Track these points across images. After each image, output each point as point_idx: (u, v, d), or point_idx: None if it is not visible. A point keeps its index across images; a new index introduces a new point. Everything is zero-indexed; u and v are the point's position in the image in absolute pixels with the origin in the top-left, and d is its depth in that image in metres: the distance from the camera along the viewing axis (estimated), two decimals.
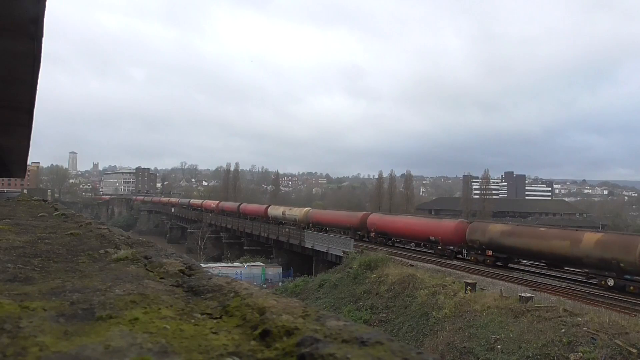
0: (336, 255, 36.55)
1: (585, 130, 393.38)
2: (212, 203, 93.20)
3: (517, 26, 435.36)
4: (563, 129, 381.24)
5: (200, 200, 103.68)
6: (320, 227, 51.89)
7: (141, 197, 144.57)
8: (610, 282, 23.01)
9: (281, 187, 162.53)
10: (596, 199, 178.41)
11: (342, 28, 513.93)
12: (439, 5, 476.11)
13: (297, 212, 59.53)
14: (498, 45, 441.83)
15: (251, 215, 70.66)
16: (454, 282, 23.60)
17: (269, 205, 70.97)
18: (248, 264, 47.20)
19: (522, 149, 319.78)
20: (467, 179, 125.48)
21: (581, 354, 15.19)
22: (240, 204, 79.82)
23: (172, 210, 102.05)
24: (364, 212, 48.92)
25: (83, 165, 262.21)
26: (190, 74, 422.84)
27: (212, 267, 39.85)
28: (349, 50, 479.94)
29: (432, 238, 35.23)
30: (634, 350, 14.58)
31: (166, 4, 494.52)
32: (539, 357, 16.04)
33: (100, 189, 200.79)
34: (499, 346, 17.38)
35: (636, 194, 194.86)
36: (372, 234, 43.37)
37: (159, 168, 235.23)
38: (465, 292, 21.66)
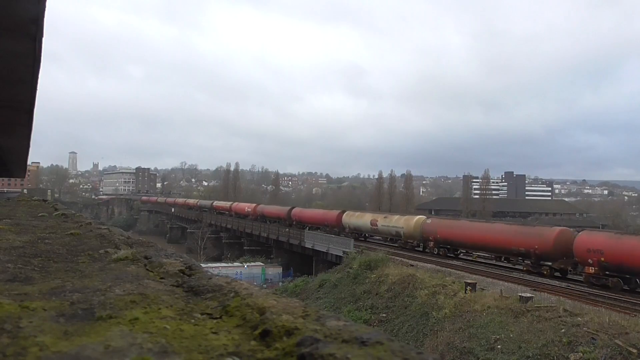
0: (336, 255, 36.56)
1: (587, 130, 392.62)
2: (246, 206, 74.83)
3: (520, 23, 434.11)
4: (565, 128, 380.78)
5: (228, 203, 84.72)
6: (452, 247, 34.18)
7: (154, 199, 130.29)
8: None
9: (281, 187, 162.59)
10: (596, 199, 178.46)
11: (343, 25, 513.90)
12: (440, 2, 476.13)
13: (400, 222, 38.81)
14: (501, 42, 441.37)
15: (313, 224, 54.34)
16: (454, 282, 23.60)
17: (344, 212, 50.87)
18: (248, 264, 47.21)
19: (523, 148, 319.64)
20: (467, 179, 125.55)
21: (581, 354, 15.19)
22: (292, 209, 63.12)
23: (172, 210, 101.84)
24: (560, 228, 27.82)
25: (83, 165, 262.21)
26: (189, 72, 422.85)
27: (212, 267, 39.86)
28: (349, 48, 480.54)
29: None
30: (634, 350, 14.57)
31: (163, 0, 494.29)
32: (539, 357, 16.04)
33: (100, 189, 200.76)
34: (499, 346, 17.38)
35: (636, 194, 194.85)
36: (592, 269, 24.02)
37: (159, 168, 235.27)
38: (465, 292, 21.66)
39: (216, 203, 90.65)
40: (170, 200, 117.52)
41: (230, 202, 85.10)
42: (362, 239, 45.00)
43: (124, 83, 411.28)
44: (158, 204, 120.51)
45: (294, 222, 58.48)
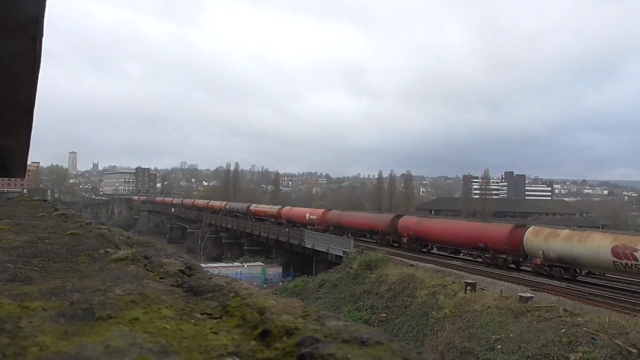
0: (336, 255, 36.55)
1: (590, 129, 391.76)
2: (307, 212, 56.80)
3: (524, 19, 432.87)
4: (568, 128, 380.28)
5: (276, 208, 66.43)
6: None
7: (169, 200, 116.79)
8: None
9: (281, 187, 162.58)
10: (596, 199, 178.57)
11: (343, 22, 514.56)
12: None
13: None
14: (503, 39, 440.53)
15: (448, 244, 33.97)
16: (454, 282, 23.60)
17: (522, 226, 29.81)
18: (248, 264, 47.23)
19: (524, 148, 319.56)
20: (467, 179, 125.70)
21: (581, 354, 15.18)
22: (397, 217, 40.77)
23: (172, 210, 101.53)
24: None
25: (83, 165, 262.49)
26: (187, 70, 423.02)
27: (212, 267, 39.88)
28: (350, 46, 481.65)
29: None
30: (634, 350, 14.57)
31: None
32: (539, 357, 16.04)
33: (100, 189, 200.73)
34: (499, 346, 17.38)
35: (636, 194, 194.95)
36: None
37: (159, 168, 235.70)
38: (465, 292, 21.66)
39: (255, 207, 72.05)
40: (187, 201, 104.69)
41: (279, 207, 66.67)
42: (566, 277, 25.41)
43: (123, 81, 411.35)
44: (158, 204, 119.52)
45: (406, 238, 37.11)
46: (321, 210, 54.60)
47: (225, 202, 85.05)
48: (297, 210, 60.93)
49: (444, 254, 34.55)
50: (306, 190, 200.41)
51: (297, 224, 55.61)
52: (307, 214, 56.12)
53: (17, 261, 2.25)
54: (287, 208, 63.88)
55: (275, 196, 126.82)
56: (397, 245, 38.28)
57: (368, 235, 43.34)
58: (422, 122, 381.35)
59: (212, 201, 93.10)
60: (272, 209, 67.00)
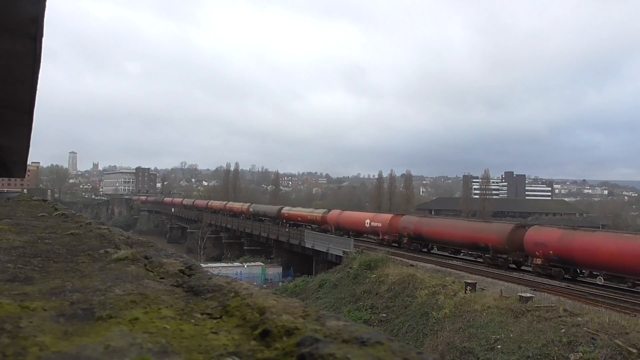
0: (336, 255, 36.56)
1: (591, 129, 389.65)
2: (366, 217, 45.71)
3: (525, 18, 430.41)
4: (568, 127, 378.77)
5: (319, 211, 56.16)
6: None
7: (178, 200, 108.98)
8: None
9: (281, 187, 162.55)
10: (596, 199, 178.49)
11: (343, 20, 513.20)
12: None
13: None
14: (505, 38, 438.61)
15: None
16: (454, 282, 23.61)
17: None
18: (248, 264, 47.25)
19: (524, 148, 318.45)
20: (467, 179, 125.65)
21: (581, 354, 15.18)
22: (538, 231, 27.68)
23: (172, 210, 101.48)
24: None
25: (83, 165, 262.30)
26: (187, 68, 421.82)
27: (212, 267, 39.88)
28: (350, 45, 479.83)
29: None
30: (634, 350, 14.57)
31: None
32: (539, 357, 16.04)
33: (100, 189, 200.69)
34: (499, 346, 17.38)
35: (636, 194, 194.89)
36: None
37: (158, 168, 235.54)
38: (465, 292, 21.67)
39: (289, 210, 61.71)
40: (200, 202, 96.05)
41: (323, 210, 55.53)
42: None
43: (121, 80, 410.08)
44: (157, 204, 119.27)
45: (541, 259, 26.59)
46: (389, 216, 43.10)
47: (249, 205, 74.85)
48: (351, 215, 49.05)
49: (618, 285, 23.21)
50: (306, 190, 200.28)
51: (351, 232, 45.11)
52: (368, 220, 44.23)
53: (17, 261, 2.25)
54: (335, 212, 51.87)
55: (275, 196, 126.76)
56: (515, 267, 28.78)
57: (466, 252, 32.59)
58: (422, 122, 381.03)
59: (230, 203, 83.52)
60: (314, 213, 56.34)
